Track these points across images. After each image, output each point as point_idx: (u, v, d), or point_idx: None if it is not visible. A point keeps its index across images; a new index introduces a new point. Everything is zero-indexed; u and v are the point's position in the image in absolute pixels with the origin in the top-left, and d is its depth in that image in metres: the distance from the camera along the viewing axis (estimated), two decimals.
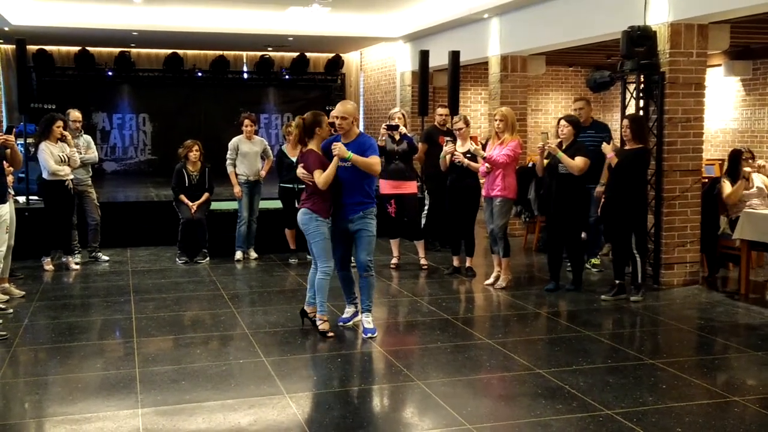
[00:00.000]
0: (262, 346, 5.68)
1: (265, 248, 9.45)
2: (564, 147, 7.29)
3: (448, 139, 8.00)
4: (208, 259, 9.09)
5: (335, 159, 5.76)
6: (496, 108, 9.13)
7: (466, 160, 7.81)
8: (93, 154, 9.02)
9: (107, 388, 4.83)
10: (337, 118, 5.88)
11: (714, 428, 4.22)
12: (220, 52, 16.69)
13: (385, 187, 8.42)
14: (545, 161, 7.52)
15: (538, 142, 14.63)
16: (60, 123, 8.28)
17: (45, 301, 7.14)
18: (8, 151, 6.43)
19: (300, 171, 5.93)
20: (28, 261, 8.59)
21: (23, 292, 7.31)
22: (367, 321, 6.02)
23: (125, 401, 4.58)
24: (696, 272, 7.84)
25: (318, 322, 5.95)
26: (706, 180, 8.42)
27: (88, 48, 15.68)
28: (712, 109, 11.52)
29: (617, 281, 7.20)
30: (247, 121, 9.14)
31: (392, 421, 4.45)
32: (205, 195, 9.15)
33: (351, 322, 6.23)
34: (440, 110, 9.30)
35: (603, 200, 7.44)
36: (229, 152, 9.09)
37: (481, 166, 7.65)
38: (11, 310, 6.67)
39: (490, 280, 7.80)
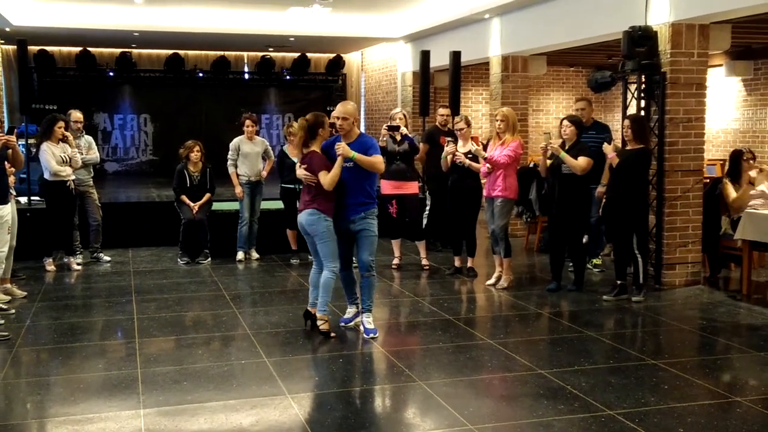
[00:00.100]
0: (263, 347, 5.68)
1: (266, 249, 9.45)
2: (567, 147, 7.29)
3: (450, 139, 8.00)
4: (209, 259, 9.09)
5: (339, 159, 5.76)
6: (497, 108, 9.14)
7: (467, 161, 7.81)
8: (94, 154, 9.03)
9: (109, 388, 4.83)
10: (338, 118, 5.88)
11: (716, 429, 4.22)
12: (221, 53, 16.69)
13: (387, 187, 8.43)
14: (548, 161, 7.51)
15: (539, 142, 14.65)
16: (61, 124, 8.28)
17: (47, 302, 7.14)
18: (10, 151, 6.43)
19: (301, 172, 5.91)
20: (30, 261, 8.60)
21: (25, 293, 7.32)
22: (367, 321, 6.02)
23: (127, 402, 4.59)
24: (698, 272, 7.84)
25: (319, 323, 5.94)
26: (708, 180, 8.42)
27: (90, 48, 15.69)
28: (714, 109, 11.53)
29: (619, 281, 7.20)
30: (248, 122, 9.14)
31: (394, 421, 4.45)
32: (207, 195, 9.16)
33: (352, 323, 6.23)
34: (441, 110, 9.29)
35: (604, 200, 7.44)
36: (230, 153, 9.10)
37: (482, 167, 7.65)
38: (13, 311, 6.67)
39: (492, 281, 7.80)
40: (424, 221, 9.38)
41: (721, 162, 10.80)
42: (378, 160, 5.89)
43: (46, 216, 8.56)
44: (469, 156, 7.82)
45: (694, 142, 7.71)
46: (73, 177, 8.43)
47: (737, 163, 7.86)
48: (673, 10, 7.46)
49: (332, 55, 17.17)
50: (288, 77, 17.35)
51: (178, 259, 9.07)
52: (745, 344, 5.86)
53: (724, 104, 12.37)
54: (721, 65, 11.98)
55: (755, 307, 6.96)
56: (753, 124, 12.05)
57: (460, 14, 11.34)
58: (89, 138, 9.10)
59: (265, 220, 9.46)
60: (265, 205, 9.49)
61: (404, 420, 4.46)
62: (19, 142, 7.16)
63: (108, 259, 9.08)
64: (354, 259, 6.28)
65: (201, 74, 16.79)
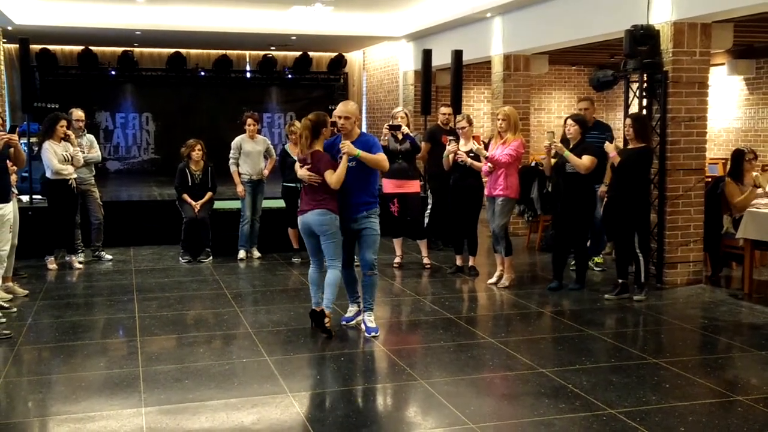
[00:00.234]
0: (265, 345, 5.68)
1: (268, 247, 9.46)
2: (571, 146, 7.29)
3: (451, 138, 8.00)
4: (211, 258, 9.10)
5: (345, 157, 5.76)
6: (498, 107, 9.14)
7: (469, 160, 7.81)
8: (96, 153, 9.03)
9: (110, 387, 4.83)
10: (339, 118, 5.87)
11: (717, 428, 4.22)
12: (223, 52, 16.71)
13: (388, 186, 8.43)
14: (552, 160, 7.51)
15: (540, 141, 14.64)
16: (64, 122, 8.29)
17: (48, 300, 7.15)
18: (12, 150, 6.44)
19: (304, 172, 5.87)
20: (32, 260, 8.60)
21: (27, 291, 7.32)
22: (369, 320, 6.02)
23: (129, 400, 4.59)
24: (699, 271, 7.84)
25: (325, 319, 5.91)
26: (710, 179, 8.41)
27: (91, 47, 15.71)
28: (716, 108, 11.52)
29: (620, 280, 7.20)
30: (250, 120, 9.14)
31: (395, 420, 4.45)
32: (208, 194, 9.16)
33: (354, 321, 6.23)
34: (443, 109, 9.29)
35: (605, 199, 7.44)
36: (232, 151, 9.10)
37: (484, 166, 7.65)
38: (15, 309, 6.68)
39: (493, 280, 7.80)
40: (426, 220, 9.38)
41: (723, 161, 10.79)
42: (382, 158, 5.90)
43: (47, 214, 8.57)
44: (471, 155, 7.82)
45: (695, 141, 7.71)
46: (74, 176, 8.44)
47: (739, 162, 7.85)
48: (675, 9, 7.45)
49: (334, 54, 17.18)
50: (290, 76, 17.36)
51: (180, 258, 9.08)
52: (747, 343, 5.85)
53: (726, 103, 12.36)
54: (723, 64, 11.96)
55: (757, 306, 6.96)
56: (755, 123, 12.04)
57: (462, 13, 11.34)
58: (91, 137, 9.11)
59: (267, 218, 9.47)
60: (266, 203, 9.49)
61: (405, 419, 4.46)
62: (21, 141, 7.16)
63: (110, 257, 9.08)
64: (356, 257, 6.28)
65: (203, 73, 16.81)
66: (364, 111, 17.28)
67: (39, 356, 5.57)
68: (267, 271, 8.64)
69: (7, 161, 6.46)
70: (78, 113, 8.90)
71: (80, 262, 8.73)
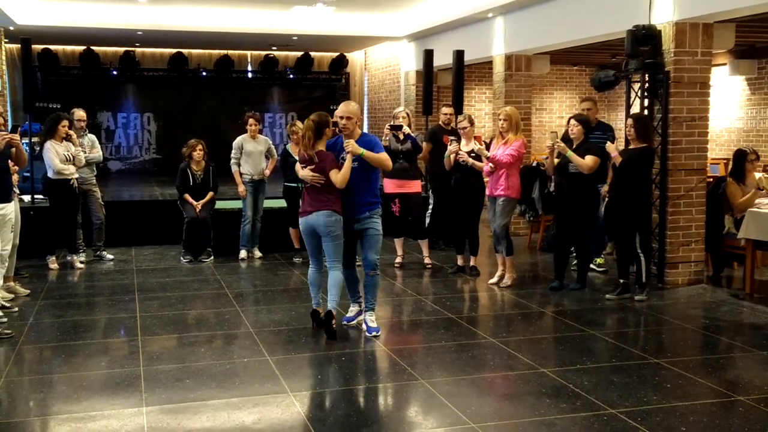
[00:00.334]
0: (266, 345, 5.68)
1: (269, 247, 9.46)
2: (574, 146, 7.28)
3: (453, 138, 8.01)
4: (212, 258, 9.10)
5: (349, 156, 5.75)
6: (500, 107, 9.14)
7: (470, 160, 7.81)
8: (97, 153, 9.04)
9: (112, 386, 4.84)
10: (341, 118, 5.86)
11: (718, 427, 4.22)
12: (225, 52, 16.72)
13: (390, 186, 8.43)
14: (556, 160, 7.51)
15: (542, 141, 14.64)
16: (65, 122, 8.29)
17: (50, 300, 7.16)
18: (13, 150, 6.45)
19: (307, 173, 5.86)
20: (33, 260, 8.61)
21: (28, 291, 7.33)
22: (370, 320, 6.02)
23: (130, 399, 4.59)
24: (700, 271, 7.83)
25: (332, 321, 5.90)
26: (711, 179, 8.41)
27: (93, 47, 15.73)
28: (717, 108, 11.50)
29: (621, 280, 7.19)
30: (251, 120, 9.15)
31: (396, 419, 4.45)
32: (210, 194, 9.16)
33: (355, 321, 6.23)
34: (445, 109, 9.29)
35: (606, 199, 7.43)
36: (233, 151, 9.10)
37: (485, 166, 7.65)
38: (16, 309, 6.68)
39: (494, 279, 7.79)
40: (427, 220, 9.38)
41: (725, 161, 10.79)
42: (386, 157, 5.93)
43: (49, 214, 8.58)
44: (472, 155, 7.82)
45: (697, 141, 7.70)
46: (76, 175, 8.44)
47: (741, 163, 7.85)
48: (677, 9, 7.44)
49: (335, 54, 17.18)
50: (291, 76, 17.37)
51: (181, 258, 9.08)
52: (748, 343, 5.85)
53: (727, 103, 12.35)
54: (724, 64, 11.96)
55: (758, 306, 6.95)
56: (757, 123, 12.03)
57: (464, 13, 11.34)
58: (92, 136, 9.12)
59: (268, 218, 9.47)
60: (267, 203, 9.50)
61: (406, 418, 4.45)
62: (23, 141, 7.17)
63: (111, 257, 9.09)
64: (357, 257, 6.28)
65: (204, 73, 16.82)
66: (365, 111, 17.28)
67: (40, 356, 5.58)
68: (268, 270, 8.65)
69: (9, 161, 6.47)
70: (80, 113, 8.91)
71: (81, 262, 8.73)
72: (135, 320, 6.43)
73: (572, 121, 7.40)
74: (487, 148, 7.76)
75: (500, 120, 7.55)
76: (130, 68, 16.28)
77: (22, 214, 7.39)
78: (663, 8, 7.60)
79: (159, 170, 16.66)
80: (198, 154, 9.09)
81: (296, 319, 6.39)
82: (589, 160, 7.14)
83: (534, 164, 10.19)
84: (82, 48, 15.73)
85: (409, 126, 8.46)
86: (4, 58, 12.79)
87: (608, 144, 7.24)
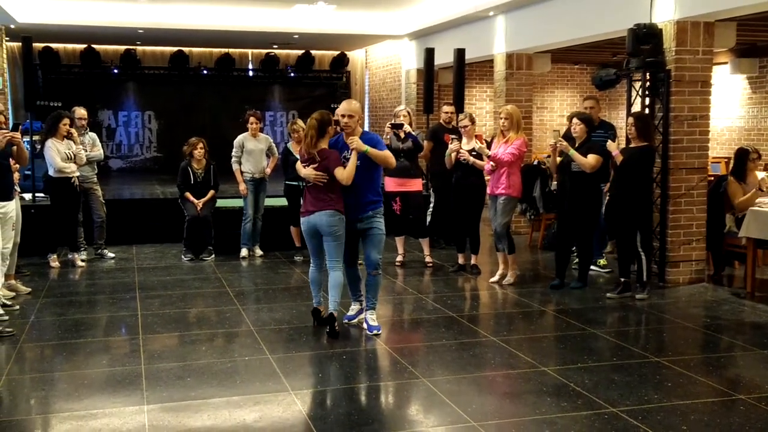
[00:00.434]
0: (267, 343, 5.69)
1: (270, 245, 9.46)
2: (577, 145, 7.28)
3: (454, 137, 8.00)
4: (213, 256, 9.11)
5: (354, 154, 5.75)
6: (501, 106, 9.12)
7: (471, 158, 7.81)
8: (98, 151, 9.05)
9: (113, 384, 4.84)
10: (343, 116, 5.85)
11: (719, 426, 4.22)
12: (226, 50, 16.72)
13: (391, 184, 8.43)
14: (558, 159, 7.50)
15: (543, 140, 14.65)
16: (67, 120, 8.30)
17: (51, 298, 7.16)
18: (14, 148, 6.46)
19: (309, 171, 5.84)
20: (34, 258, 8.62)
21: (29, 289, 7.33)
22: (371, 318, 6.02)
23: (131, 398, 4.60)
24: (701, 270, 7.83)
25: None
26: (712, 178, 8.40)
27: (94, 46, 15.73)
28: (719, 106, 11.50)
29: (622, 279, 7.19)
30: (252, 119, 9.15)
31: (397, 418, 4.45)
32: (211, 192, 9.17)
33: (356, 320, 6.23)
34: (446, 108, 9.29)
35: (607, 198, 7.43)
36: (234, 150, 9.11)
37: (486, 164, 7.65)
38: (17, 307, 6.69)
39: (495, 278, 7.80)
40: (428, 218, 9.38)
41: (726, 160, 10.79)
42: (389, 154, 5.93)
43: (50, 212, 8.58)
44: (473, 153, 7.82)
45: (698, 139, 7.70)
46: (77, 174, 8.45)
47: (743, 161, 7.84)
48: (678, 7, 7.44)
49: (336, 53, 17.18)
50: (292, 74, 17.38)
51: (182, 256, 9.09)
52: (749, 342, 5.85)
53: (729, 102, 12.35)
54: (726, 63, 11.95)
55: (759, 305, 6.95)
56: (758, 121, 12.03)
57: (465, 11, 11.34)
58: (93, 135, 9.13)
59: (269, 217, 9.47)
60: (268, 202, 9.50)
61: (407, 417, 4.46)
62: (24, 139, 7.18)
63: (112, 255, 9.10)
64: (359, 256, 6.27)
65: (205, 71, 16.82)
66: (366, 109, 17.28)
67: (41, 354, 5.58)
68: (269, 269, 8.65)
69: (10, 159, 6.48)
70: (81, 111, 8.92)
71: (83, 260, 8.74)
72: (136, 318, 6.43)
73: (575, 120, 7.39)
74: (488, 146, 7.76)
75: (501, 119, 7.55)
76: (131, 66, 16.29)
77: (23, 213, 7.40)
78: (664, 7, 7.60)
79: (160, 168, 16.67)
80: (199, 152, 9.09)
81: (297, 318, 6.39)
82: (592, 158, 7.14)
83: (535, 163, 10.19)
84: (83, 46, 15.73)
85: (410, 124, 8.46)
86: (4, 56, 12.79)
87: (609, 143, 7.24)
